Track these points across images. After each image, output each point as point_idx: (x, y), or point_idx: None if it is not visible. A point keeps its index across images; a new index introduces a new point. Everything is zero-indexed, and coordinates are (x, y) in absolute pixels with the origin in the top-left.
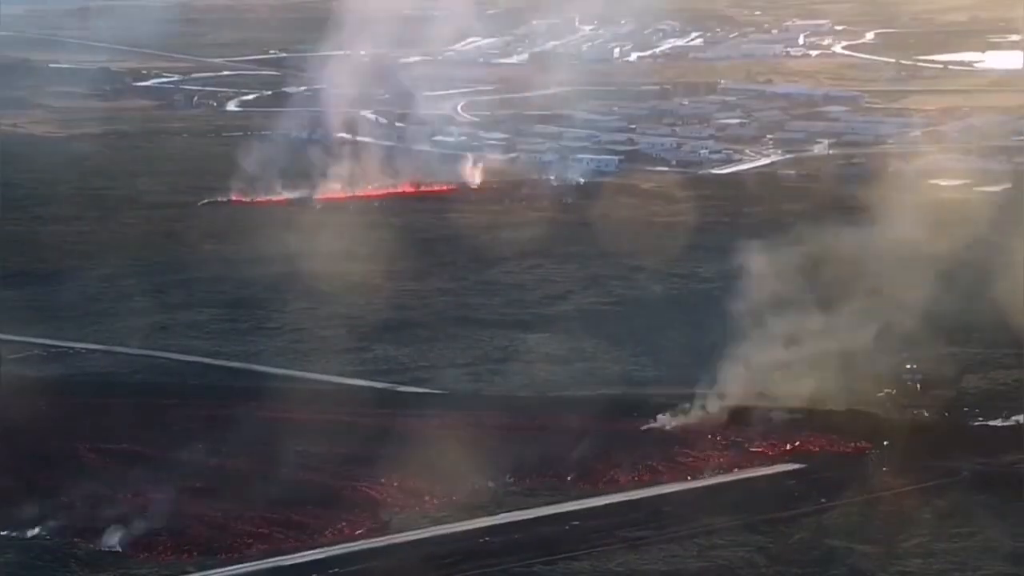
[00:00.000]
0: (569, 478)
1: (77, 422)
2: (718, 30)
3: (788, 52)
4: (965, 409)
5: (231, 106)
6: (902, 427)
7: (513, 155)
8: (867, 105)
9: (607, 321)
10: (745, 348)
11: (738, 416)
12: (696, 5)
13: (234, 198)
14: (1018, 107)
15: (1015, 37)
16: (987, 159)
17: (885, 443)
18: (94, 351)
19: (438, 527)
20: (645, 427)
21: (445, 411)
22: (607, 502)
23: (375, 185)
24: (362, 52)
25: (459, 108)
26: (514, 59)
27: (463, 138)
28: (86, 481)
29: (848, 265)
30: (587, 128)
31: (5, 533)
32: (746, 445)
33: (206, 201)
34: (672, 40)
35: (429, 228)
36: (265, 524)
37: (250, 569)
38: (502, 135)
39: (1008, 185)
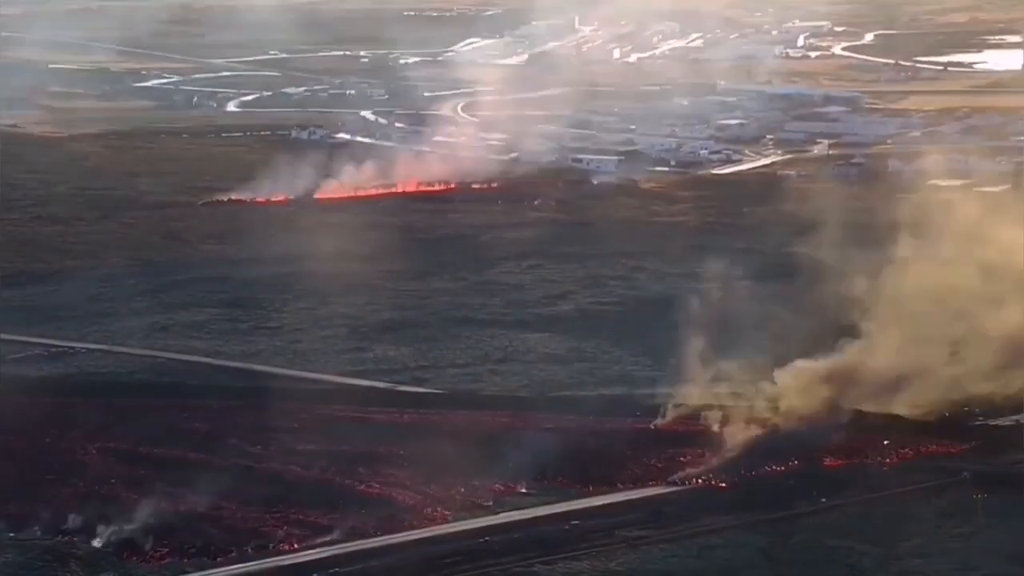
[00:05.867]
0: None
1: (77, 421)
2: (718, 31)
3: (788, 53)
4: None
5: (231, 107)
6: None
7: (513, 155)
8: (867, 106)
9: (607, 321)
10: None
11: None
12: (696, 6)
13: (234, 198)
14: (1018, 107)
15: (1015, 38)
16: (987, 159)
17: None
18: (94, 351)
19: (438, 526)
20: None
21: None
22: (607, 502)
23: (375, 185)
24: (362, 53)
25: (459, 108)
26: (514, 60)
27: (463, 139)
28: (86, 481)
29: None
30: (587, 128)
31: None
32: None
33: (206, 201)
34: (672, 41)
35: (429, 228)
36: (267, 523)
37: (250, 569)
38: (502, 135)
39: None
